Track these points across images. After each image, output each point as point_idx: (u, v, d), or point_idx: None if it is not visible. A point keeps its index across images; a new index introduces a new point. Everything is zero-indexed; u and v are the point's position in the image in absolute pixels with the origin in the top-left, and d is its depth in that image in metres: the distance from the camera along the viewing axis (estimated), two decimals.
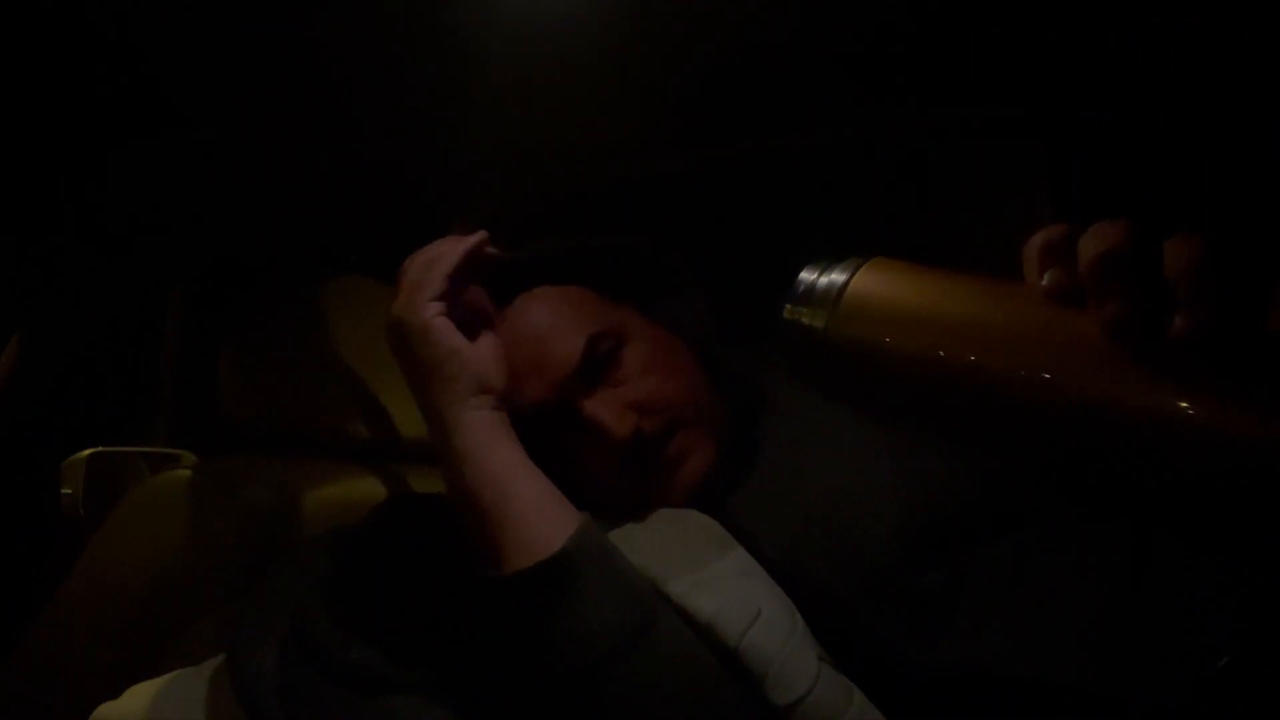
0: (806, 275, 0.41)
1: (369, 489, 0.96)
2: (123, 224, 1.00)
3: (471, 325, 0.62)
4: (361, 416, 0.98)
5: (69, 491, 1.07)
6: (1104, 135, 0.73)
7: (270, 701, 0.58)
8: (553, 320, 0.67)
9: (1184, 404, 0.31)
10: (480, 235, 0.65)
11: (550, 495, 0.57)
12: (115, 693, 0.69)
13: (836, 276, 0.40)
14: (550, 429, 0.63)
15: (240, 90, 0.77)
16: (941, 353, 0.37)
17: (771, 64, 0.74)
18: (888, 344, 0.38)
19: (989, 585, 0.54)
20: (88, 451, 1.09)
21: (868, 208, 1.08)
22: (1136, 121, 0.71)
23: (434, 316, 0.60)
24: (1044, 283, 0.36)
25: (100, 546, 0.91)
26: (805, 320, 0.40)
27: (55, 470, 1.09)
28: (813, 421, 0.64)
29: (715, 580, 0.55)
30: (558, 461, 0.61)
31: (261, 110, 0.81)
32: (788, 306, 0.41)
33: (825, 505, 0.59)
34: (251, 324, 1.01)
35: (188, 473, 0.93)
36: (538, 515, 0.55)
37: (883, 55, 0.71)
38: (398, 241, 1.15)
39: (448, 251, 0.63)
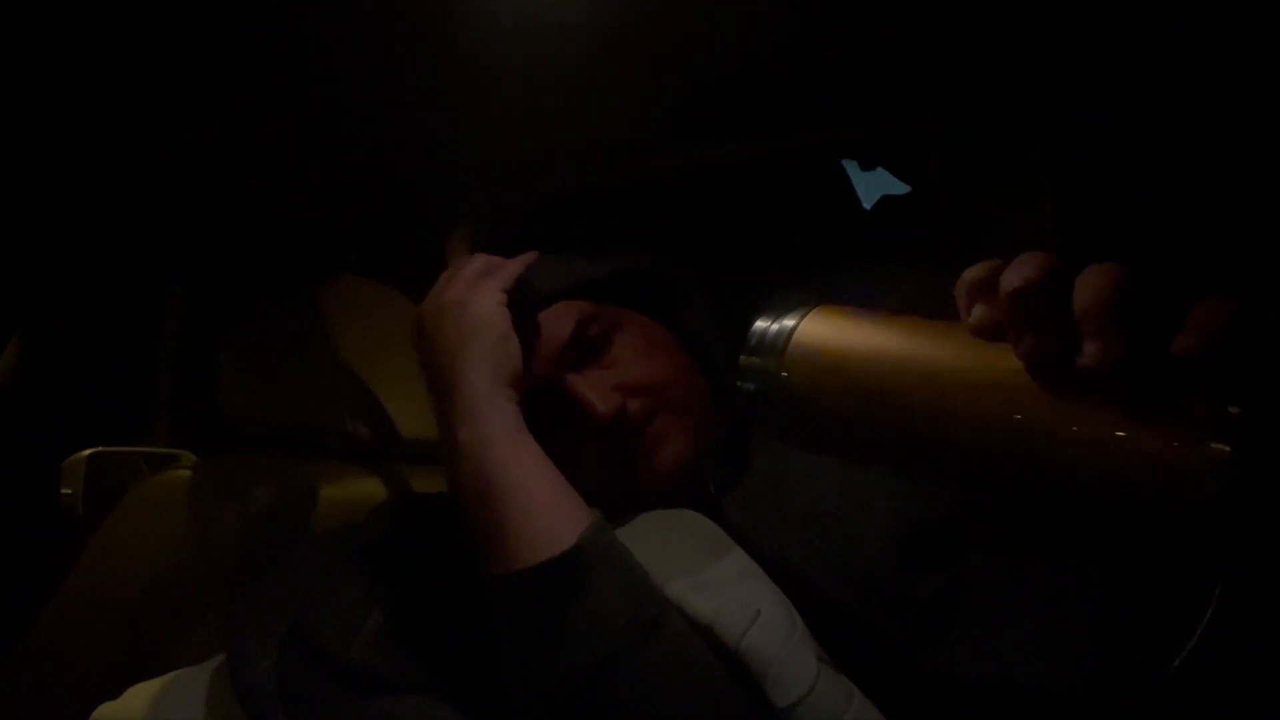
0: (759, 325, 0.44)
1: (369, 489, 0.96)
2: (123, 224, 1.00)
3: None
4: (361, 416, 0.98)
5: (69, 491, 1.07)
6: (1104, 135, 0.73)
7: (271, 701, 0.58)
8: (549, 317, 0.67)
9: (1093, 433, 0.33)
10: (531, 255, 0.66)
11: (565, 490, 0.57)
12: (115, 693, 0.69)
13: (785, 323, 0.43)
14: (536, 408, 0.63)
15: (240, 90, 0.77)
16: (879, 392, 0.39)
17: (771, 64, 0.74)
18: (832, 386, 0.40)
19: (986, 593, 0.54)
20: (88, 451, 1.10)
21: (867, 209, 1.08)
22: (1136, 121, 0.71)
23: (498, 304, 0.62)
24: (970, 320, 0.37)
25: (100, 546, 0.91)
26: (757, 366, 0.43)
27: (55, 470, 1.09)
28: None
29: (714, 582, 0.55)
30: (541, 444, 0.61)
31: (261, 111, 0.81)
32: (742, 356, 0.44)
33: (821, 510, 0.59)
34: (251, 324, 1.01)
35: (188, 473, 0.93)
36: (553, 508, 0.55)
37: (882, 55, 0.71)
38: (397, 241, 1.15)
39: (507, 261, 0.65)
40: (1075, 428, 0.33)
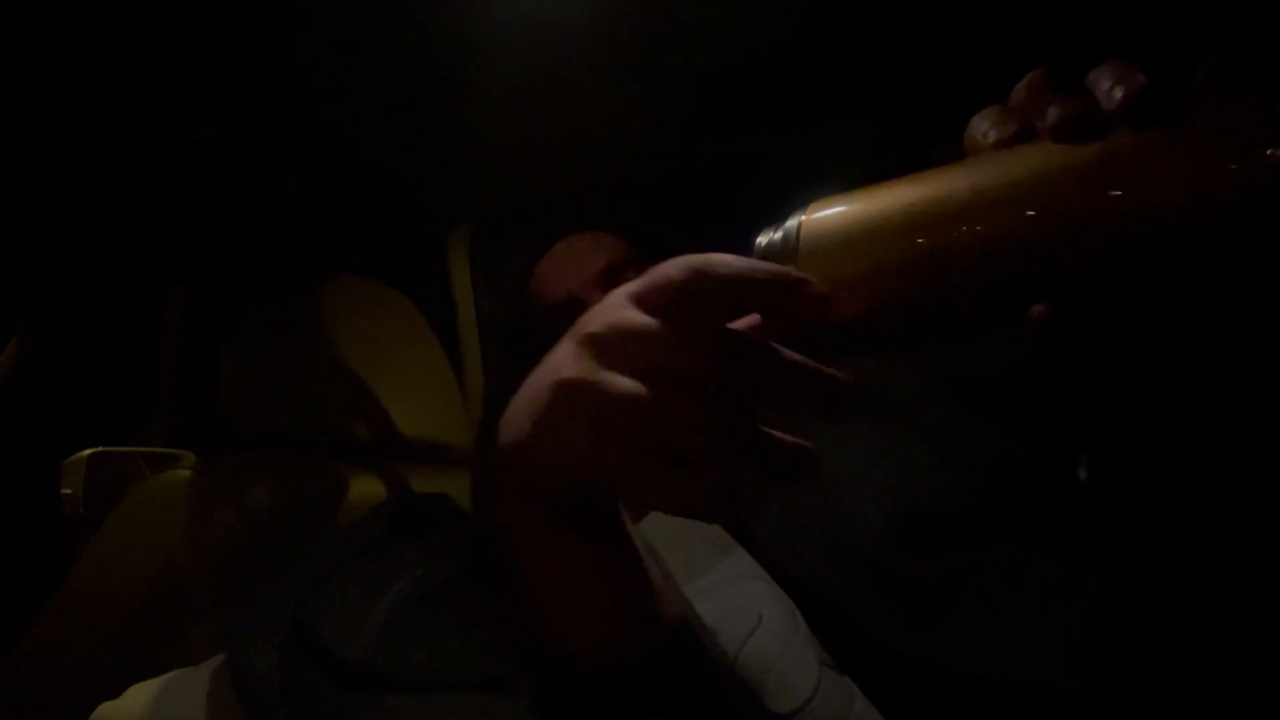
0: (760, 240, 0.40)
1: (369, 489, 0.96)
2: (123, 223, 1.00)
3: None
4: (361, 416, 0.98)
5: (69, 491, 1.07)
6: None
7: (272, 701, 0.58)
8: (593, 241, 0.73)
9: (1158, 169, 0.32)
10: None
11: (629, 600, 0.46)
12: (115, 693, 0.69)
13: (788, 224, 0.39)
14: (559, 328, 0.62)
15: (239, 90, 0.77)
16: (919, 245, 0.36)
17: (772, 63, 0.74)
18: (860, 259, 0.37)
19: (982, 584, 0.54)
20: (88, 451, 1.09)
21: None
22: None
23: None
24: (990, 138, 0.37)
25: (100, 546, 0.91)
26: None
27: (55, 470, 1.09)
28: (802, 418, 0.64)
29: (716, 586, 0.54)
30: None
31: (261, 110, 0.81)
32: None
33: (821, 495, 0.59)
34: (251, 324, 1.01)
35: (188, 473, 0.93)
36: (622, 620, 0.45)
37: (883, 54, 0.72)
38: (397, 241, 1.15)
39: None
40: (1135, 171, 0.32)
